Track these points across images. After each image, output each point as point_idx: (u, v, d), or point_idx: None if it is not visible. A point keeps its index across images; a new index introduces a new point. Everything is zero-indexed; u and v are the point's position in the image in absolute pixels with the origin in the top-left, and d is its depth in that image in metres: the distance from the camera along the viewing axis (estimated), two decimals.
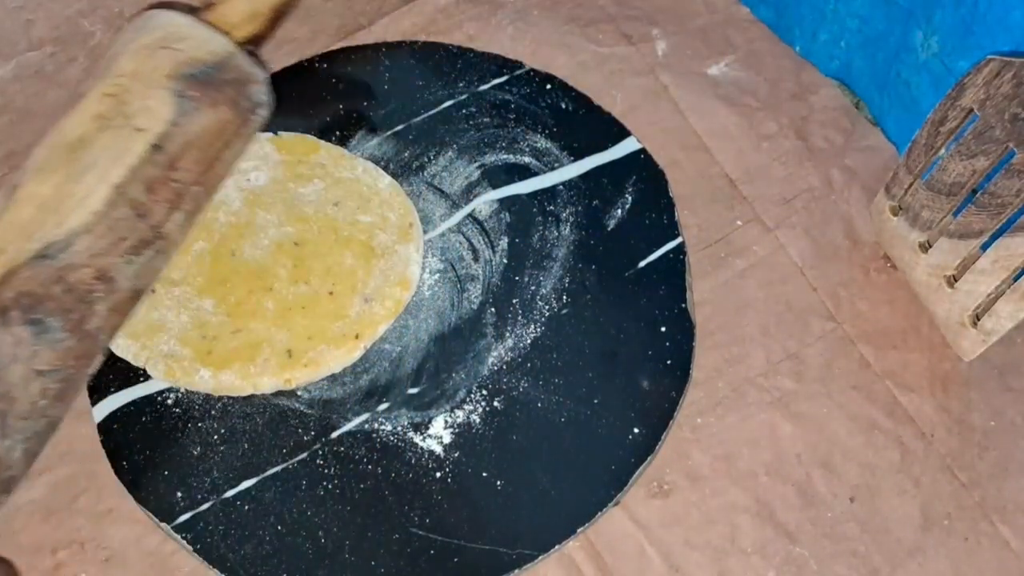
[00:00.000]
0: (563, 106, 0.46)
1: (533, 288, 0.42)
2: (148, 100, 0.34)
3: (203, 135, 0.35)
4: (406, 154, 0.45)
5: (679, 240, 0.43)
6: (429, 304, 0.42)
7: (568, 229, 0.44)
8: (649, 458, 0.39)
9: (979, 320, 0.39)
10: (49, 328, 0.32)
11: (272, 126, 0.46)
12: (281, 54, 0.48)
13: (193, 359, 0.40)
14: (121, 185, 0.33)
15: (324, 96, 0.47)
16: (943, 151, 0.39)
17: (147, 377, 0.40)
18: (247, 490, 0.38)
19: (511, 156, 0.45)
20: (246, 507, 0.38)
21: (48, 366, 0.32)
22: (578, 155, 0.45)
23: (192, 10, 0.38)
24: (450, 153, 0.46)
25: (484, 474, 0.39)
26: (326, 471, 0.39)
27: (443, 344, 0.41)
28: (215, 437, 0.39)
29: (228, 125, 0.36)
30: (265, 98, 0.38)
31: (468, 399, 0.40)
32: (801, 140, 0.47)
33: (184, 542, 0.37)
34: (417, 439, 0.39)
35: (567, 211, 0.44)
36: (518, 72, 0.47)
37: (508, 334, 0.41)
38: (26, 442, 0.32)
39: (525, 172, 0.45)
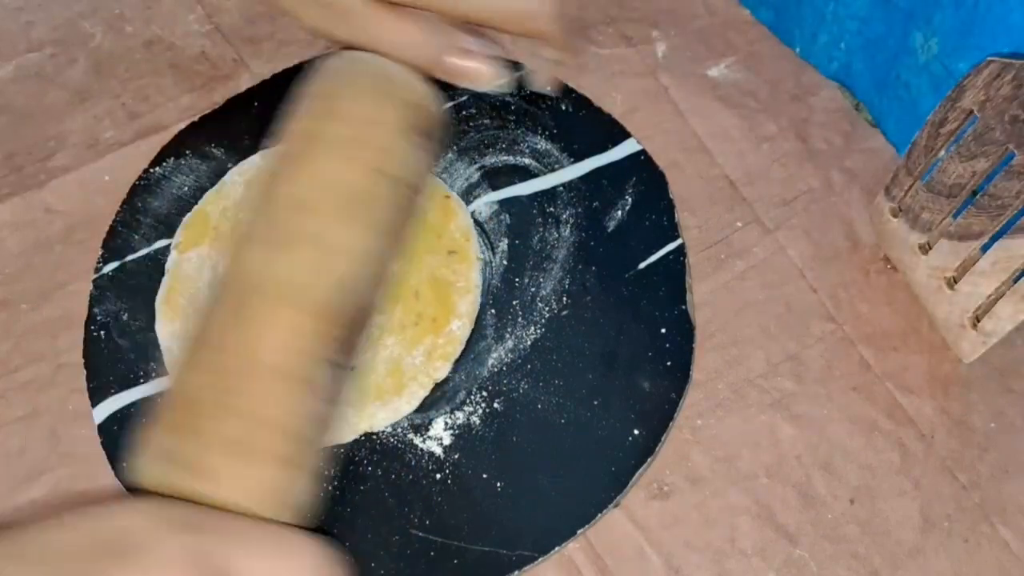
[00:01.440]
0: (563, 107, 0.46)
1: (533, 290, 0.42)
2: (409, 157, 0.35)
3: (427, 180, 0.36)
4: None
5: (679, 242, 0.43)
6: None
7: (568, 230, 0.44)
8: (649, 460, 0.39)
9: (979, 322, 0.39)
10: (344, 368, 0.32)
11: (271, 131, 0.46)
12: (281, 56, 0.48)
13: None
14: (399, 238, 0.34)
15: None
16: (943, 153, 0.39)
17: (147, 379, 0.40)
18: None
19: (511, 157, 0.45)
20: None
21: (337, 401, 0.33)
22: (578, 156, 0.45)
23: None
24: (450, 155, 0.46)
25: (484, 475, 0.39)
26: (326, 472, 0.39)
27: None
28: None
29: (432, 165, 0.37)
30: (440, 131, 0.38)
31: (468, 400, 0.40)
32: (801, 142, 0.47)
33: None
34: (417, 440, 0.39)
35: (567, 212, 0.44)
36: (518, 73, 0.47)
37: (508, 335, 0.41)
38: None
39: (525, 173, 0.45)
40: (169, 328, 0.41)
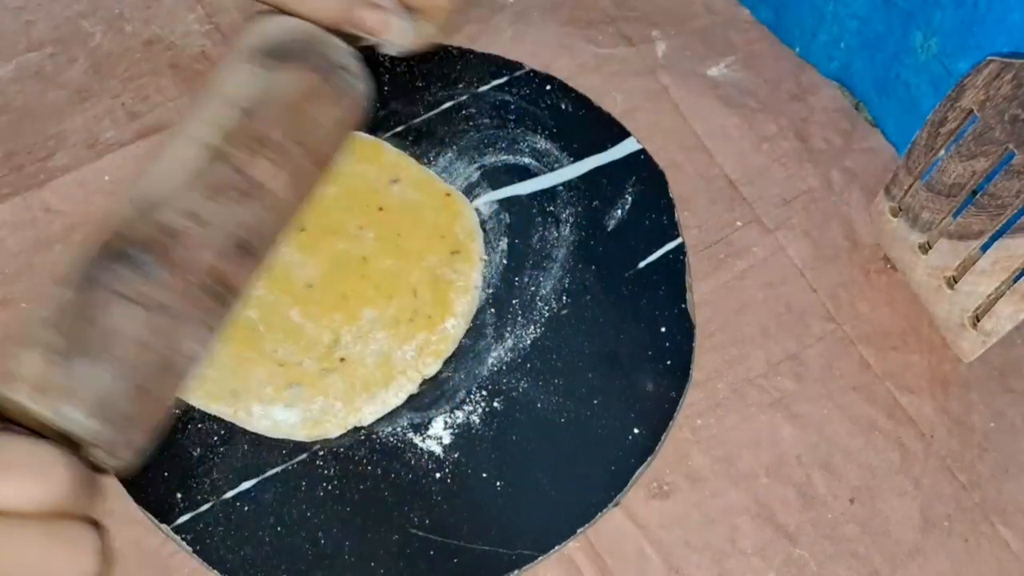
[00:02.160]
0: (563, 107, 0.46)
1: (533, 289, 0.42)
2: (237, 75, 0.36)
3: (288, 95, 0.37)
4: (406, 155, 0.45)
5: (679, 241, 0.43)
6: None
7: (568, 230, 0.44)
8: (649, 459, 0.39)
9: (979, 321, 0.39)
10: (140, 262, 0.33)
11: None
12: None
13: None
14: (215, 145, 0.35)
15: None
16: (943, 152, 0.39)
17: None
18: (247, 491, 0.38)
19: (511, 157, 0.45)
20: (246, 508, 0.38)
21: (145, 298, 0.33)
22: (578, 156, 0.45)
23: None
24: (450, 154, 0.45)
25: (484, 475, 0.39)
26: (326, 472, 0.39)
27: None
28: (215, 438, 0.39)
29: (311, 84, 0.37)
30: (348, 60, 0.38)
31: (468, 400, 0.40)
32: (801, 141, 0.47)
33: (184, 543, 0.37)
34: (417, 440, 0.39)
35: (567, 212, 0.44)
36: (518, 73, 0.47)
37: (508, 335, 0.41)
38: (136, 378, 0.32)
39: (525, 173, 0.45)
40: None
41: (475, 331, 0.41)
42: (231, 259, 0.35)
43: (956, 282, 0.39)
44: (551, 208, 0.44)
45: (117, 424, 0.31)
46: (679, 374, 0.41)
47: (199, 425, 0.40)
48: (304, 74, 0.37)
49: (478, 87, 0.47)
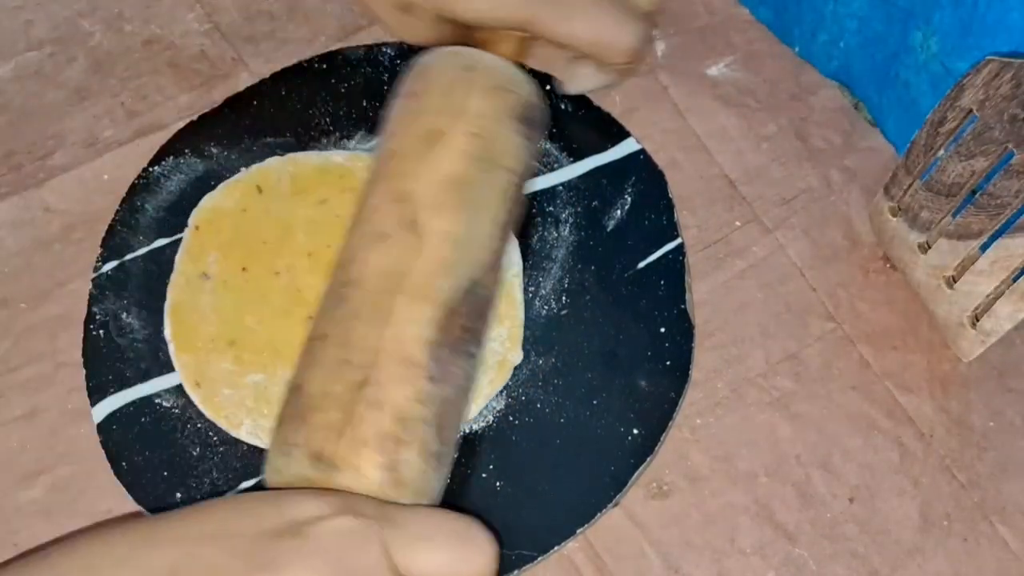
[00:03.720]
0: (562, 107, 0.46)
1: (532, 289, 0.42)
2: (507, 143, 0.36)
3: (533, 166, 0.39)
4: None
5: (678, 241, 0.43)
6: None
7: (567, 230, 0.44)
8: (648, 459, 0.39)
9: (978, 321, 0.39)
10: (471, 354, 0.34)
11: (272, 130, 0.46)
12: (281, 55, 0.48)
13: None
14: (504, 224, 0.36)
15: (324, 97, 0.46)
16: (942, 152, 0.39)
17: (146, 378, 0.40)
18: (247, 491, 0.38)
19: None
20: None
21: (470, 387, 0.35)
22: (577, 156, 0.45)
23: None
24: None
25: (483, 475, 0.39)
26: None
27: None
28: (215, 438, 0.39)
29: (537, 155, 0.39)
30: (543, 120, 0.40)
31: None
32: (800, 141, 0.47)
33: None
34: None
35: (566, 212, 0.44)
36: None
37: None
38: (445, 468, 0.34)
39: None
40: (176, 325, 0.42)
41: None
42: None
43: (955, 282, 0.39)
44: (550, 208, 0.44)
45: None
46: (678, 374, 0.41)
47: (198, 425, 0.40)
48: (538, 149, 0.38)
49: None
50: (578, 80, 0.43)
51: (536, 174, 0.45)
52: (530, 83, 0.38)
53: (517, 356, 0.40)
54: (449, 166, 0.35)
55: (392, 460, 0.30)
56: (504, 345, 0.40)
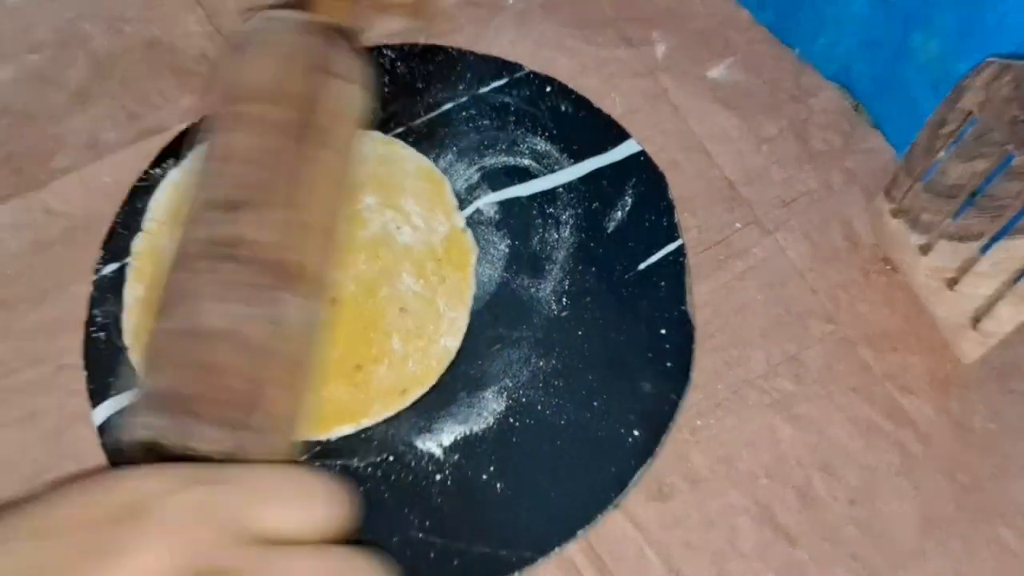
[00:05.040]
0: (563, 108, 0.46)
1: (533, 291, 0.42)
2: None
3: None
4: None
5: (679, 242, 0.43)
6: None
7: (568, 231, 0.44)
8: (649, 460, 0.39)
9: (979, 322, 0.39)
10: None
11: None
12: None
13: None
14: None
15: None
16: (942, 154, 0.39)
17: None
18: None
19: (511, 158, 0.45)
20: None
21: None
22: (578, 157, 0.45)
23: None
24: (450, 155, 0.46)
25: (484, 477, 0.39)
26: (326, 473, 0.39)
27: None
28: None
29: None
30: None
31: (468, 402, 0.40)
32: (801, 143, 0.47)
33: None
34: (417, 442, 0.39)
35: (567, 213, 0.44)
36: (518, 75, 0.47)
37: (507, 337, 0.41)
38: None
39: (525, 174, 0.45)
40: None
41: (474, 332, 0.41)
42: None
43: (956, 283, 0.39)
44: (551, 210, 0.44)
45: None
46: (679, 375, 0.41)
47: None
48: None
49: (478, 89, 0.47)
50: (379, 25, 0.42)
51: (536, 175, 0.45)
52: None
53: (454, 342, 0.41)
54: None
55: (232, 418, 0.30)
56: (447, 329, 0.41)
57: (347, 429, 0.39)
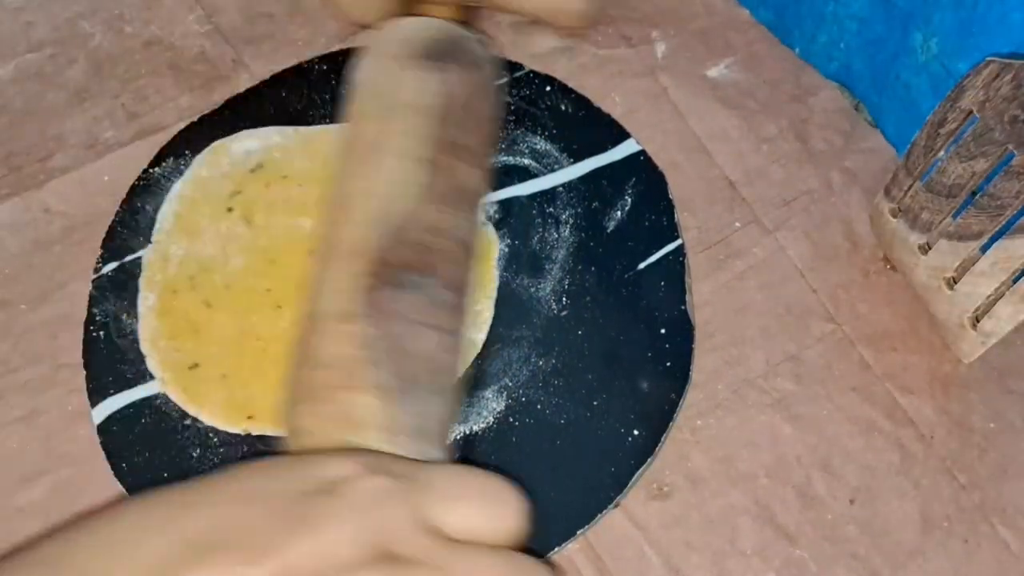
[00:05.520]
0: (563, 108, 0.46)
1: (532, 290, 0.42)
2: (408, 82, 0.37)
3: (462, 96, 0.38)
4: None
5: (679, 242, 0.43)
6: None
7: (568, 231, 0.44)
8: (649, 460, 0.39)
9: (979, 322, 0.39)
10: (422, 286, 0.34)
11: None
12: (281, 56, 0.48)
13: None
14: (429, 158, 0.36)
15: (324, 98, 0.46)
16: (942, 153, 0.39)
17: (147, 379, 0.40)
18: None
19: (510, 158, 0.45)
20: None
21: (433, 320, 0.34)
22: (578, 157, 0.45)
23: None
24: None
25: None
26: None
27: None
28: (214, 439, 0.39)
29: (474, 82, 0.39)
30: (485, 53, 0.40)
31: (467, 401, 0.40)
32: (801, 142, 0.47)
33: None
34: None
35: (567, 213, 0.44)
36: (518, 74, 0.47)
37: (507, 336, 0.41)
38: (442, 396, 0.34)
39: (524, 174, 0.45)
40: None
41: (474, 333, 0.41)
42: (466, 264, 0.36)
43: (956, 283, 0.39)
44: (551, 209, 0.44)
45: (446, 448, 0.33)
46: (679, 375, 0.41)
47: (198, 426, 0.40)
48: (466, 73, 0.38)
49: None
50: (533, 44, 0.43)
51: (536, 175, 0.45)
52: (443, 25, 0.39)
53: (480, 335, 0.41)
54: (356, 133, 0.36)
55: (340, 409, 0.31)
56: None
57: None
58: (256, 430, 0.39)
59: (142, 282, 0.42)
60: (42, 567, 0.24)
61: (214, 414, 0.40)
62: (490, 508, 0.27)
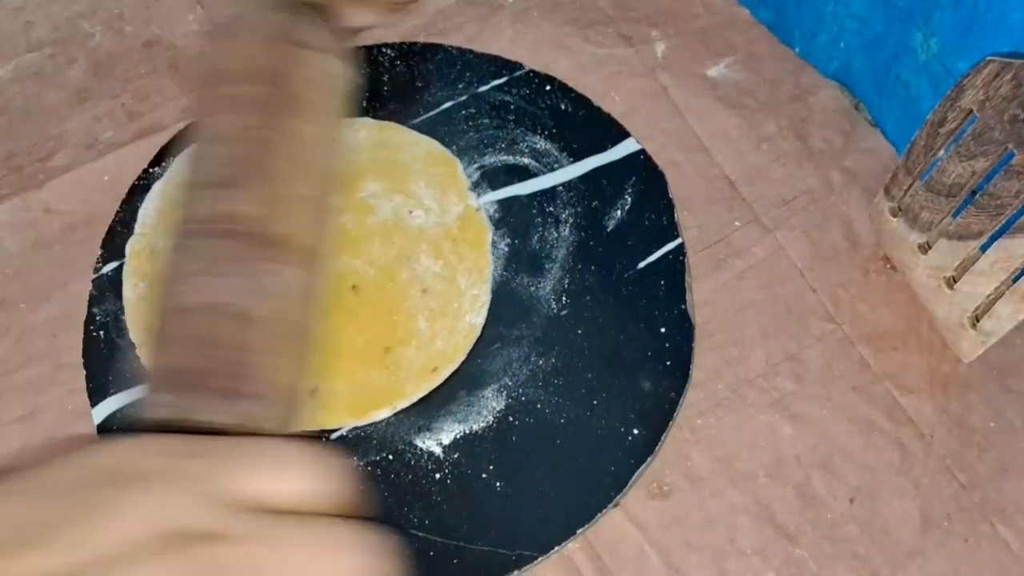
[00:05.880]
0: (563, 107, 0.46)
1: (532, 289, 0.42)
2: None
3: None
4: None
5: (679, 241, 0.43)
6: None
7: (568, 230, 0.44)
8: (649, 459, 0.39)
9: (979, 321, 0.39)
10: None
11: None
12: None
13: None
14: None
15: None
16: (942, 152, 0.39)
17: (147, 378, 0.40)
18: None
19: (511, 157, 0.45)
20: None
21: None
22: (578, 156, 0.45)
23: None
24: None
25: (483, 475, 0.39)
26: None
27: None
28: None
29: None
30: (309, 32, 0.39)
31: (468, 400, 0.40)
32: (800, 141, 0.47)
33: None
34: (416, 440, 0.39)
35: (567, 212, 0.44)
36: (518, 73, 0.47)
37: (507, 335, 0.41)
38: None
39: (525, 173, 0.45)
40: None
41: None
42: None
43: (956, 282, 0.39)
44: (551, 208, 0.44)
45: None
46: (679, 374, 0.41)
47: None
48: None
49: (478, 87, 0.47)
50: (353, 18, 0.42)
51: (536, 174, 0.45)
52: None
53: (479, 318, 0.41)
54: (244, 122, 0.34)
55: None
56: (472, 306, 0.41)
57: (384, 413, 0.39)
58: None
59: (126, 272, 0.42)
60: None
61: None
62: (298, 475, 0.26)
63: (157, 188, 0.44)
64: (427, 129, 0.46)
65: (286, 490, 0.26)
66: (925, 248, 0.41)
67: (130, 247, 0.43)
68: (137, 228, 0.43)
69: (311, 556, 0.25)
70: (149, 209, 0.44)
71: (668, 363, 0.41)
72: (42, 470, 0.26)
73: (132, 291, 0.42)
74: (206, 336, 0.30)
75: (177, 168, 0.45)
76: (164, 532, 0.23)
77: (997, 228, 0.37)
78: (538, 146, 0.46)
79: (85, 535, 0.23)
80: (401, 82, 0.47)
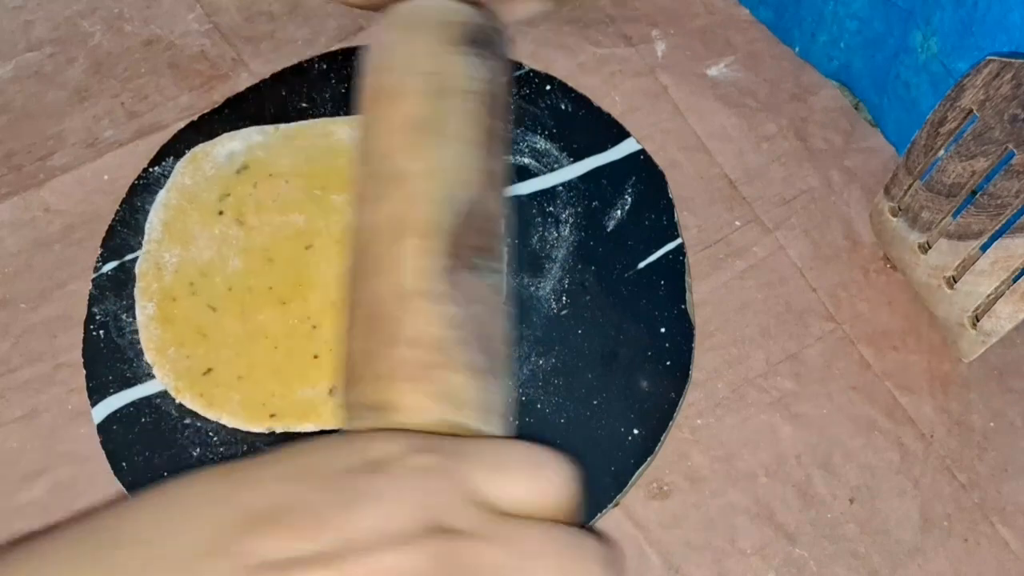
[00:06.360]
0: (563, 107, 0.46)
1: (532, 289, 0.42)
2: (458, 68, 0.36)
3: (501, 86, 0.38)
4: None
5: (679, 241, 0.43)
6: None
7: (568, 230, 0.44)
8: (649, 459, 0.39)
9: (979, 321, 0.39)
10: (489, 271, 0.34)
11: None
12: (281, 55, 0.48)
13: None
14: (482, 142, 0.36)
15: (324, 97, 0.46)
16: (942, 152, 0.39)
17: (146, 378, 0.40)
18: None
19: (510, 157, 0.45)
20: None
21: (495, 300, 0.34)
22: (578, 156, 0.45)
23: None
24: None
25: None
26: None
27: None
28: (214, 438, 0.39)
29: (506, 74, 0.39)
30: (505, 41, 0.40)
31: None
32: (800, 141, 0.47)
33: None
34: None
35: (567, 212, 0.44)
36: (517, 73, 0.47)
37: None
38: (508, 377, 0.34)
39: (524, 173, 0.45)
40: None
41: None
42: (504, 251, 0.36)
43: (956, 282, 0.39)
44: (551, 208, 0.44)
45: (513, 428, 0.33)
46: (679, 374, 0.41)
47: (198, 425, 0.40)
48: (500, 62, 0.38)
49: None
50: (516, 10, 0.43)
51: (536, 174, 0.45)
52: (470, 10, 0.39)
53: None
54: (408, 110, 0.36)
55: (440, 388, 0.31)
56: None
57: None
58: (280, 428, 0.39)
59: (137, 292, 0.42)
60: (102, 532, 0.25)
61: (235, 415, 0.39)
62: (535, 474, 0.27)
63: (160, 197, 0.44)
64: None
65: (523, 491, 0.26)
66: (925, 248, 0.41)
67: (138, 268, 0.43)
68: (144, 244, 0.43)
69: (559, 568, 0.25)
70: (154, 222, 0.43)
71: (668, 363, 0.41)
72: (298, 455, 0.27)
73: (142, 313, 0.42)
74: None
75: (179, 172, 0.44)
76: (429, 524, 0.24)
77: (997, 228, 0.37)
78: (538, 146, 0.46)
79: (349, 519, 0.24)
80: None
